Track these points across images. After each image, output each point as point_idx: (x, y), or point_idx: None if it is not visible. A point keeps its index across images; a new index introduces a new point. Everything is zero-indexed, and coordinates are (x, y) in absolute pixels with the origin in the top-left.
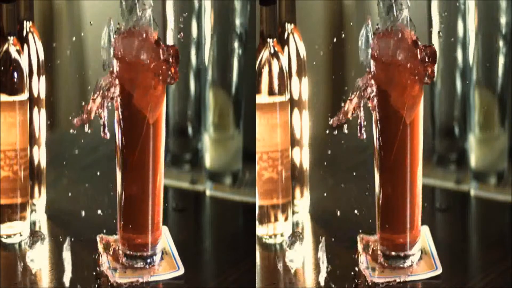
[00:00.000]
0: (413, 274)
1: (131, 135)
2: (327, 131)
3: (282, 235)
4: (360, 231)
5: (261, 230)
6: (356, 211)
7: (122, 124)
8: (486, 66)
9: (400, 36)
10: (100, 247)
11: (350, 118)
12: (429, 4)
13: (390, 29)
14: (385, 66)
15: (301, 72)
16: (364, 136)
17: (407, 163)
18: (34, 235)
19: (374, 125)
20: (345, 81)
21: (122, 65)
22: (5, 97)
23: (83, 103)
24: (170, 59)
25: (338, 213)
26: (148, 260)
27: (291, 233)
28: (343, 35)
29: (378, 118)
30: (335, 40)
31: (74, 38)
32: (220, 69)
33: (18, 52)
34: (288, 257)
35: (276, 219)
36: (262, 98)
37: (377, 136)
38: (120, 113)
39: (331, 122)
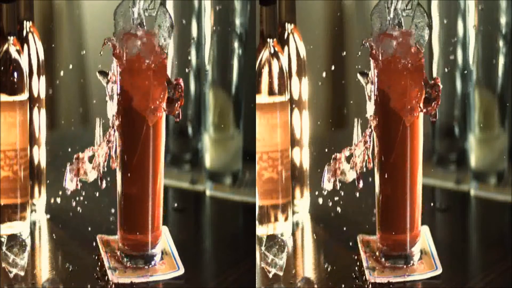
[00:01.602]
0: (413, 274)
1: (131, 137)
2: (326, 131)
3: (282, 235)
4: (360, 231)
5: (261, 230)
6: (356, 211)
7: (122, 125)
8: (486, 66)
9: (402, 37)
10: (100, 247)
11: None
12: (429, 4)
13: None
14: (386, 67)
15: (301, 72)
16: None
17: (407, 163)
18: (13, 239)
19: (374, 126)
20: (345, 80)
21: (122, 67)
22: (5, 97)
23: (67, 166)
24: (176, 96)
25: (338, 213)
26: (148, 260)
27: (268, 236)
28: (343, 35)
29: (378, 119)
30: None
31: (74, 38)
32: (220, 69)
33: (18, 52)
34: (267, 260)
35: (276, 219)
36: (262, 98)
37: (377, 136)
38: (120, 115)
39: (326, 187)
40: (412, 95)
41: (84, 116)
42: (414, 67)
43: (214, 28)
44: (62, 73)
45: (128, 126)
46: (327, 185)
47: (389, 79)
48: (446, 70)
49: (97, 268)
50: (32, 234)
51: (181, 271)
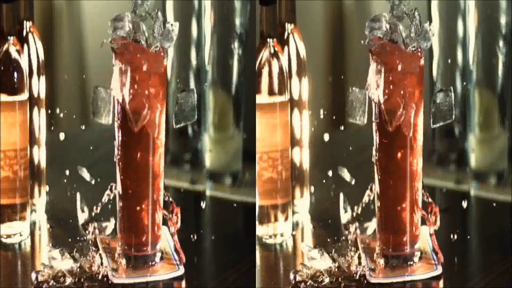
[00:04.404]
0: (413, 274)
1: (130, 137)
2: (327, 131)
3: (282, 235)
4: (360, 231)
5: (261, 230)
6: (356, 211)
7: (122, 126)
8: (486, 66)
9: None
10: (100, 247)
11: None
12: (429, 4)
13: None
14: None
15: (301, 72)
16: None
17: (407, 163)
18: None
19: (374, 125)
20: (345, 80)
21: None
22: (5, 97)
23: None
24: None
25: (338, 213)
26: (148, 260)
27: None
28: (343, 35)
29: (378, 120)
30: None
31: (74, 38)
32: (220, 69)
33: (18, 52)
34: None
35: (276, 219)
36: (262, 98)
37: (377, 137)
38: (119, 114)
39: None
40: (412, 100)
41: (84, 116)
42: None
43: (214, 28)
44: (62, 73)
45: (128, 126)
46: None
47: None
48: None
49: (97, 268)
50: (32, 234)
51: (181, 271)
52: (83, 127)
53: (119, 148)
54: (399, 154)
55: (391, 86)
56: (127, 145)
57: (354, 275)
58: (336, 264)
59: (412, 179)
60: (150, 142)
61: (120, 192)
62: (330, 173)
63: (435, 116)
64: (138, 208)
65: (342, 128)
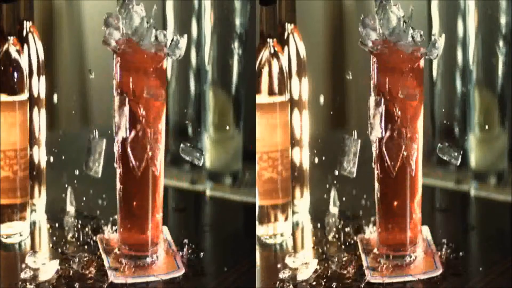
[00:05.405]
0: (413, 274)
1: (131, 178)
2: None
3: (282, 235)
4: (360, 230)
5: (261, 230)
6: (355, 211)
7: (123, 165)
8: (486, 66)
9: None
10: (100, 247)
11: None
12: (429, 4)
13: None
14: (387, 67)
15: (301, 72)
16: None
17: (407, 210)
18: None
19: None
20: (345, 80)
21: (123, 64)
22: (5, 97)
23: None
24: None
25: (338, 213)
26: (148, 260)
27: None
28: (343, 35)
29: (379, 168)
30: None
31: (74, 38)
32: (220, 69)
33: (18, 52)
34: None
35: (276, 219)
36: (262, 98)
37: (378, 137)
38: (120, 156)
39: None
40: (412, 103)
41: (84, 116)
42: (414, 67)
43: (214, 28)
44: (62, 73)
45: (129, 167)
46: None
47: (390, 79)
48: None
49: (97, 268)
50: (32, 234)
51: (181, 271)
52: (83, 127)
53: (119, 149)
54: (395, 203)
55: (393, 110)
56: (129, 183)
57: (353, 275)
58: (334, 265)
59: (412, 179)
60: (150, 183)
61: (120, 192)
62: (329, 173)
63: (438, 151)
64: (138, 207)
65: (342, 128)
